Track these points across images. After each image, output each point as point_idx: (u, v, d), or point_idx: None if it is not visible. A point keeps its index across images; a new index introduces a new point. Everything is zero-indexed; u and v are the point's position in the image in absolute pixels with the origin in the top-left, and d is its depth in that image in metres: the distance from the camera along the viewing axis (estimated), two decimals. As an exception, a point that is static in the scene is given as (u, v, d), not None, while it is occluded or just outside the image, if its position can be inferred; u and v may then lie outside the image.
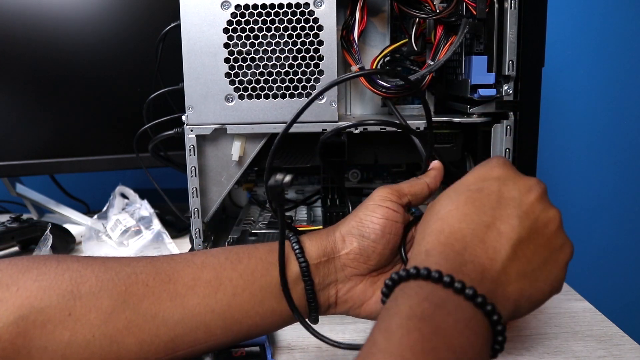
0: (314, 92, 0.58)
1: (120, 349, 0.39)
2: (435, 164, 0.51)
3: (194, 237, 0.63)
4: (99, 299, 0.39)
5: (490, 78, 0.58)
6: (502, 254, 0.35)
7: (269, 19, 0.57)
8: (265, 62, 0.58)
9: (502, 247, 0.35)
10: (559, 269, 0.37)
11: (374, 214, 0.45)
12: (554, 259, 0.37)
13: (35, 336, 0.37)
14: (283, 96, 0.59)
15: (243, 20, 0.57)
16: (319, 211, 0.79)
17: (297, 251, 0.44)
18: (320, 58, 0.58)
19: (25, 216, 0.84)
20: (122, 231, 0.78)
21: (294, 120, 0.51)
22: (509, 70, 0.56)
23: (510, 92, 0.57)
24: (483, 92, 0.57)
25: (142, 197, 0.85)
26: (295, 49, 0.58)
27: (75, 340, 0.38)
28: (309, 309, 0.44)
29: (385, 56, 0.61)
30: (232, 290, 0.42)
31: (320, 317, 0.46)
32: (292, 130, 0.59)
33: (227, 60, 0.58)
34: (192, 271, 0.42)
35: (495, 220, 0.36)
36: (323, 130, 0.59)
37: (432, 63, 0.58)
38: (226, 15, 0.57)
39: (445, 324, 0.30)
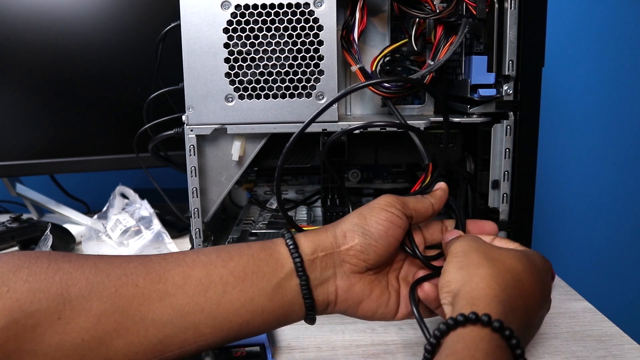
0: (325, 101, 0.58)
1: (109, 351, 0.39)
2: (441, 185, 0.52)
3: (194, 237, 0.63)
4: (89, 301, 0.39)
5: (490, 78, 0.58)
6: (533, 328, 0.43)
7: (269, 19, 0.57)
8: (265, 62, 0.58)
9: (535, 327, 0.44)
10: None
11: (379, 215, 0.45)
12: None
13: (25, 339, 0.37)
14: (283, 96, 0.59)
15: (243, 20, 0.57)
16: (319, 211, 0.79)
17: (290, 247, 0.44)
18: (320, 58, 0.58)
19: (25, 216, 0.84)
20: (122, 231, 0.78)
21: (309, 123, 0.52)
22: (509, 70, 0.56)
23: (510, 92, 0.57)
24: (483, 92, 0.57)
25: (142, 197, 0.85)
26: (295, 49, 0.58)
27: (64, 344, 0.38)
28: (305, 307, 0.44)
29: (385, 56, 0.61)
30: (222, 287, 0.42)
31: (320, 317, 0.46)
32: (292, 130, 0.59)
33: (227, 60, 0.58)
34: (183, 270, 0.42)
35: (542, 304, 0.43)
36: (323, 130, 0.59)
37: (432, 63, 0.58)
38: (226, 15, 0.57)
39: None
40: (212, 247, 0.45)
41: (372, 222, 0.45)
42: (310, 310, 0.44)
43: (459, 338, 0.35)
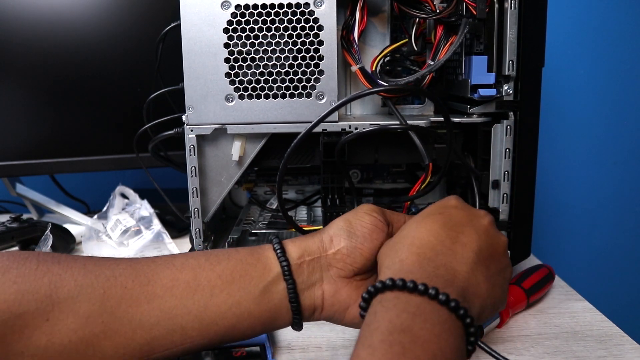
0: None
1: (96, 352, 0.39)
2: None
3: (194, 237, 0.63)
4: (77, 303, 0.39)
5: (490, 78, 0.58)
6: (469, 258, 0.40)
7: (269, 19, 0.57)
8: (265, 62, 0.58)
9: (468, 253, 0.40)
10: (506, 284, 0.43)
11: (364, 219, 0.46)
12: (503, 275, 0.43)
13: (13, 341, 0.37)
14: (283, 96, 0.59)
15: (243, 20, 0.57)
16: (319, 211, 0.79)
17: (278, 251, 0.44)
18: (320, 58, 0.58)
19: (25, 216, 0.84)
20: (122, 231, 0.78)
21: (314, 126, 0.53)
22: (509, 70, 0.56)
23: (510, 92, 0.57)
24: (483, 92, 0.57)
25: (142, 197, 0.85)
26: (295, 49, 0.58)
27: (51, 345, 0.38)
28: (291, 311, 0.44)
29: (385, 56, 0.61)
30: (209, 290, 0.42)
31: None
32: (292, 130, 0.59)
33: (227, 60, 0.58)
34: (171, 272, 0.42)
35: (458, 235, 0.41)
36: (323, 130, 0.59)
37: (432, 63, 0.58)
38: (226, 15, 0.57)
39: (424, 330, 0.33)
40: (201, 252, 0.46)
41: (357, 225, 0.46)
42: (296, 314, 0.44)
43: (379, 301, 0.37)
